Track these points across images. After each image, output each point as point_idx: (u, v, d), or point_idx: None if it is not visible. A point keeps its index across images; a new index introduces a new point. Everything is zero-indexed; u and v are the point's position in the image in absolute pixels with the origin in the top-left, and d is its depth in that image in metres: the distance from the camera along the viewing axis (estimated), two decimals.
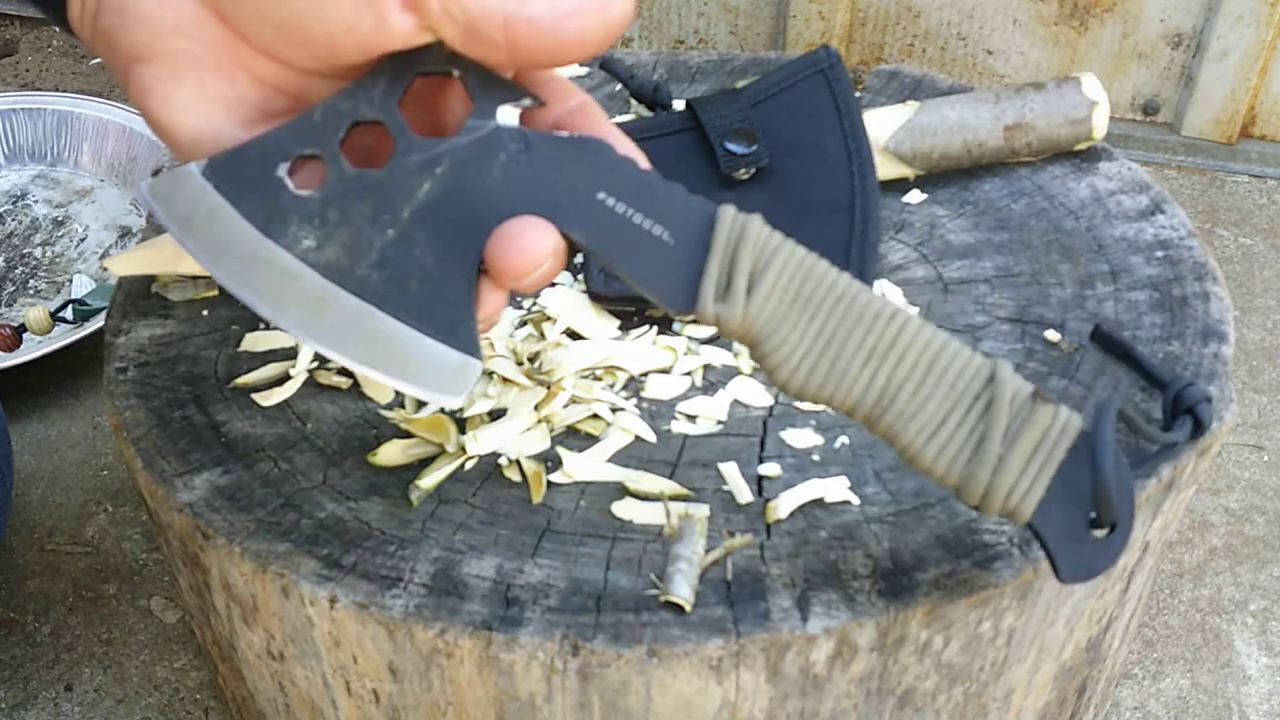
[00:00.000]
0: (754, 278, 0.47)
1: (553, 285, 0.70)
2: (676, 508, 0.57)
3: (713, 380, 0.64)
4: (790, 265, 0.48)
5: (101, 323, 1.08)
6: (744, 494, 0.58)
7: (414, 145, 0.46)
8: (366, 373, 0.47)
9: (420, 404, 0.63)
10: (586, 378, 0.64)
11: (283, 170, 0.46)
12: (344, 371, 0.65)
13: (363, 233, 0.46)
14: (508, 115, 0.47)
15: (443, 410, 0.62)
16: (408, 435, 0.61)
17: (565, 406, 0.62)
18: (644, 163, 0.48)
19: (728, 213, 0.48)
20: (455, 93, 0.48)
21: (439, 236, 0.46)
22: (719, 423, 0.62)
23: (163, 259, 0.68)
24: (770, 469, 0.59)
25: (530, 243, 0.46)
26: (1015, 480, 0.48)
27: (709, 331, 0.67)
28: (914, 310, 0.67)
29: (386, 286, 0.46)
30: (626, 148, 0.48)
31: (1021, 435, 0.47)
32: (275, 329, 0.67)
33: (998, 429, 0.47)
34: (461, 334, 0.47)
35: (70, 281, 1.26)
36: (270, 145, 0.46)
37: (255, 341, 0.67)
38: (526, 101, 0.46)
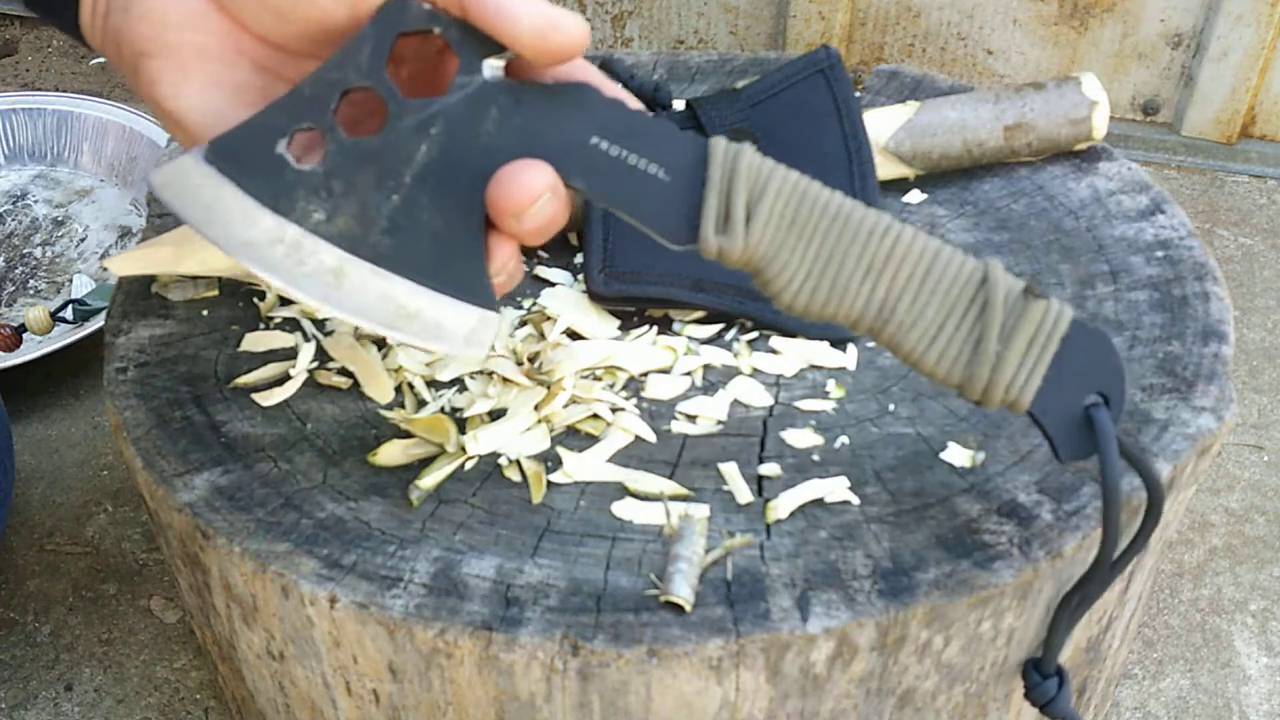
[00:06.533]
0: (751, 207, 0.49)
1: (552, 285, 0.70)
2: (676, 508, 0.57)
3: (713, 380, 0.64)
4: (785, 191, 0.49)
5: (101, 323, 1.08)
6: (744, 494, 0.58)
7: (406, 108, 0.47)
8: (389, 335, 0.48)
9: (420, 404, 0.63)
10: (586, 378, 0.64)
11: (282, 146, 0.46)
12: (344, 371, 0.65)
13: (369, 201, 0.47)
14: (493, 68, 0.47)
15: (443, 409, 0.62)
16: (408, 435, 0.61)
17: (565, 406, 0.62)
18: (632, 103, 0.49)
19: (719, 145, 0.49)
20: (448, 51, 0.49)
21: (442, 197, 0.47)
22: (719, 423, 0.62)
23: (163, 259, 0.68)
24: (770, 469, 0.59)
25: (527, 179, 0.47)
26: (1013, 375, 0.50)
27: (709, 331, 0.67)
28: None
29: (399, 250, 0.47)
30: (613, 90, 0.49)
31: (1016, 331, 0.50)
32: (275, 329, 0.67)
33: (993, 328, 0.49)
34: (476, 289, 0.48)
35: (70, 281, 1.26)
36: (266, 123, 0.47)
37: (255, 341, 0.67)
38: (510, 53, 0.47)
